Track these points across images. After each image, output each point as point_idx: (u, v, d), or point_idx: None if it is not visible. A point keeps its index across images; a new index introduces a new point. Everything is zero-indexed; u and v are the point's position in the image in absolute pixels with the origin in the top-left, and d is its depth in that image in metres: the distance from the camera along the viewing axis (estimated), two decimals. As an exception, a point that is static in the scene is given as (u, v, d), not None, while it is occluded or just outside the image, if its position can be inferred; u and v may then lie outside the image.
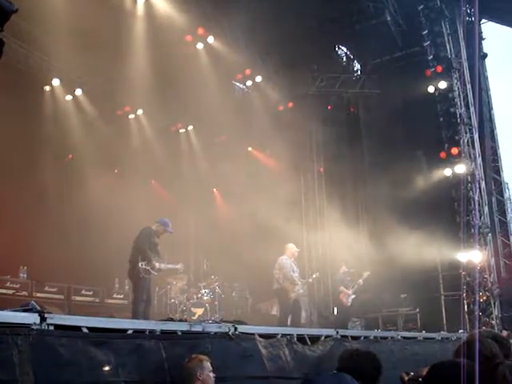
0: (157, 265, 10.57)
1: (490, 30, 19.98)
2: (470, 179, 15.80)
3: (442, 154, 16.03)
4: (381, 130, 16.91)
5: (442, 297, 15.87)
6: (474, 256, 15.08)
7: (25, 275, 13.07)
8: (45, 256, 13.13)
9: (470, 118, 16.49)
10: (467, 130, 16.28)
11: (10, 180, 13.64)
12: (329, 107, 19.02)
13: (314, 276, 13.73)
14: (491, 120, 19.19)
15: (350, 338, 9.16)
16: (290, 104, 18.95)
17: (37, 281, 13.10)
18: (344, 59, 20.21)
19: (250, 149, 20.06)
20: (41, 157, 15.19)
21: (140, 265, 10.31)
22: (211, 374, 5.51)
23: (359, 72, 19.81)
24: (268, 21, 15.04)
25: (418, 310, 15.47)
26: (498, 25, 19.98)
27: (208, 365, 5.52)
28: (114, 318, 7.84)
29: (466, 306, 14.98)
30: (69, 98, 16.53)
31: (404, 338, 10.87)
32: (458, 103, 16.28)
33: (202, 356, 5.66)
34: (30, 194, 14.32)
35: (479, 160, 16.60)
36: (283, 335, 7.71)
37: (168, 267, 11.28)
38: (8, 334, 4.34)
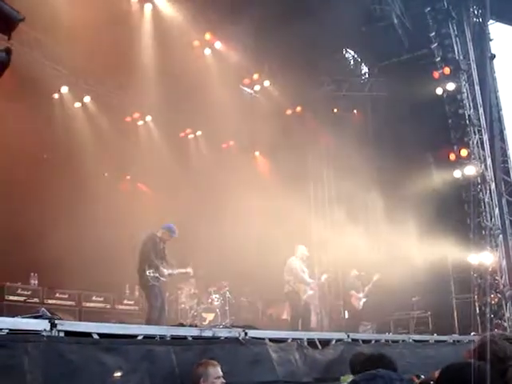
0: (165, 271, 10.52)
1: (498, 30, 19.87)
2: (479, 181, 15.74)
3: (452, 156, 15.97)
4: (389, 132, 16.86)
5: (454, 299, 15.80)
6: (485, 258, 15.01)
7: (35, 282, 13.10)
8: (55, 262, 13.14)
9: (478, 119, 16.42)
10: (476, 132, 16.21)
11: (19, 187, 13.69)
12: (337, 110, 18.99)
13: (323, 279, 13.63)
14: (500, 121, 19.06)
15: (361, 342, 9.15)
16: (298, 108, 18.96)
17: (48, 287, 13.13)
18: (351, 62, 20.20)
19: (257, 153, 20.07)
20: (50, 163, 15.25)
21: (147, 273, 10.24)
22: (218, 381, 5.41)
23: (367, 75, 19.80)
24: (275, 25, 15.06)
25: (429, 312, 15.40)
26: (505, 25, 19.85)
27: (215, 370, 5.43)
28: (124, 324, 7.86)
29: (477, 309, 14.90)
30: (77, 105, 16.59)
31: (415, 341, 10.84)
32: (467, 104, 16.22)
33: (211, 361, 5.60)
34: (40, 201, 14.36)
35: (489, 161, 16.53)
36: (294, 339, 7.70)
37: (178, 272, 11.18)
38: (18, 340, 4.36)
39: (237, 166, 18.33)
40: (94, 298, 14.17)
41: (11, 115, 12.62)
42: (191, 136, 20.29)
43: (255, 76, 17.90)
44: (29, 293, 12.63)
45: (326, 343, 8.40)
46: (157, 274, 10.32)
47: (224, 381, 5.50)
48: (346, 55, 20.06)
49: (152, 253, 10.43)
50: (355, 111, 19.15)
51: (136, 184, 19.23)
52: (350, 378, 5.73)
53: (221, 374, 5.49)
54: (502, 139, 18.94)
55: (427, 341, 11.31)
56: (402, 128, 16.31)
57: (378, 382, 2.45)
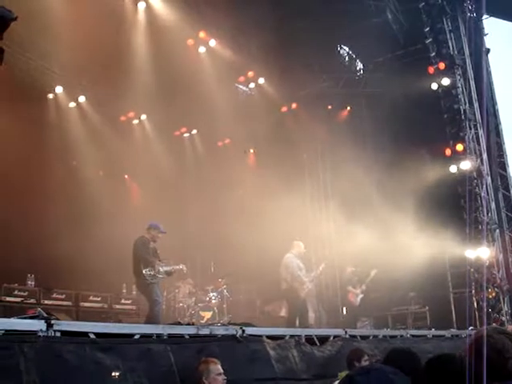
0: (161, 268, 10.54)
1: (492, 24, 19.85)
2: (475, 175, 15.73)
3: (447, 151, 15.98)
4: (384, 128, 16.85)
5: (451, 294, 15.83)
6: (481, 252, 15.01)
7: (32, 283, 13.06)
8: (52, 263, 13.13)
9: (474, 114, 16.41)
10: (471, 126, 16.21)
11: (15, 188, 13.64)
12: (332, 107, 18.99)
13: (321, 268, 13.48)
14: (495, 115, 19.04)
15: (359, 338, 9.14)
16: (294, 105, 18.94)
17: (44, 288, 13.10)
18: (346, 59, 20.19)
19: (251, 151, 20.05)
20: (45, 164, 15.19)
21: (144, 272, 10.28)
22: (220, 377, 5.52)
23: (362, 71, 19.79)
24: (269, 22, 15.03)
25: (427, 307, 15.44)
26: (499, 20, 19.84)
27: (216, 368, 5.53)
28: (121, 324, 7.85)
29: (475, 303, 14.92)
30: (72, 105, 16.54)
31: (413, 336, 10.86)
32: (462, 99, 16.22)
33: (211, 359, 5.68)
34: (36, 202, 14.32)
35: (484, 156, 16.50)
36: (291, 336, 7.70)
37: (171, 269, 11.16)
38: (14, 341, 4.34)
39: (233, 164, 18.32)
40: (91, 297, 14.11)
41: (5, 116, 12.56)
42: (186, 135, 20.27)
43: (250, 73, 17.86)
44: (25, 293, 12.58)
45: (323, 340, 8.40)
46: (153, 272, 10.34)
47: (225, 377, 5.56)
48: (341, 51, 20.04)
49: (144, 251, 10.46)
50: (349, 107, 19.16)
51: (132, 183, 19.20)
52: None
53: (221, 370, 5.60)
54: (498, 133, 18.93)
55: (425, 336, 11.33)
56: (397, 123, 16.32)
57: (372, 376, 2.44)
